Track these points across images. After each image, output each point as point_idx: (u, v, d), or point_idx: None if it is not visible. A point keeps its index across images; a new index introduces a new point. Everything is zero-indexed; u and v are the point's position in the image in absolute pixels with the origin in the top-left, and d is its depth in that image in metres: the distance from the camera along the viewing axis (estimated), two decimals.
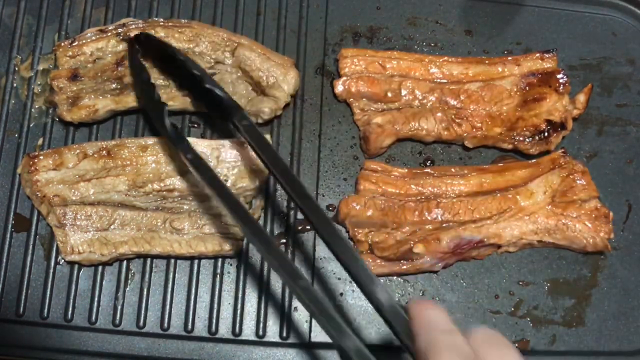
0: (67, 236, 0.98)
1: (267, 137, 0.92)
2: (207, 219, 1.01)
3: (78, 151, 1.01)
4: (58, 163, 1.00)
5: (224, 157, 1.02)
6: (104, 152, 1.02)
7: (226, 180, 1.02)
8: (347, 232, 1.05)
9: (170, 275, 1.02)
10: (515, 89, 1.12)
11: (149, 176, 1.01)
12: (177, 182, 1.01)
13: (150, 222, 1.00)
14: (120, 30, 1.08)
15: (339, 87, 1.10)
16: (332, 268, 1.04)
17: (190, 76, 0.97)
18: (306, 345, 1.00)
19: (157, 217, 1.00)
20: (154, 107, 0.96)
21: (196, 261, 1.03)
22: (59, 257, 1.01)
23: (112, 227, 0.99)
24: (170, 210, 1.01)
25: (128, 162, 1.01)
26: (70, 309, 0.99)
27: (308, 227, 1.06)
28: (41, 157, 1.00)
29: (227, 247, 0.99)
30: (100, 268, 1.01)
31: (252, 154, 1.03)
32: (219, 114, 0.97)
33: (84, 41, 1.08)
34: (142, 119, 1.09)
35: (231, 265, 1.03)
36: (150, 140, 1.02)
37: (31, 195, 1.00)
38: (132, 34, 1.07)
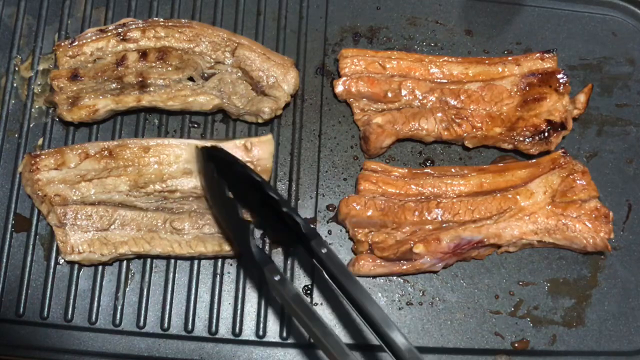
0: (67, 236, 0.98)
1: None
2: (208, 220, 1.01)
3: (80, 151, 1.01)
4: (59, 163, 1.00)
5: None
6: (106, 152, 1.02)
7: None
8: (347, 232, 1.05)
9: (170, 275, 1.02)
10: (515, 89, 1.12)
11: (150, 177, 1.01)
12: (179, 183, 1.01)
13: (150, 223, 1.00)
14: (120, 30, 1.08)
15: (339, 87, 1.10)
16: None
17: (266, 197, 0.91)
18: (306, 345, 1.00)
19: (157, 217, 1.00)
20: (237, 227, 0.89)
21: (196, 261, 1.03)
22: (59, 257, 1.01)
23: (113, 227, 0.99)
24: (170, 210, 1.01)
25: (130, 163, 1.01)
26: (70, 309, 0.99)
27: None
28: (43, 157, 1.00)
29: (227, 247, 0.99)
30: (100, 268, 1.01)
31: (254, 155, 1.03)
32: (291, 237, 0.92)
33: (84, 41, 1.08)
34: (142, 119, 1.09)
35: (231, 265, 1.03)
36: (152, 142, 1.02)
37: (32, 194, 1.00)
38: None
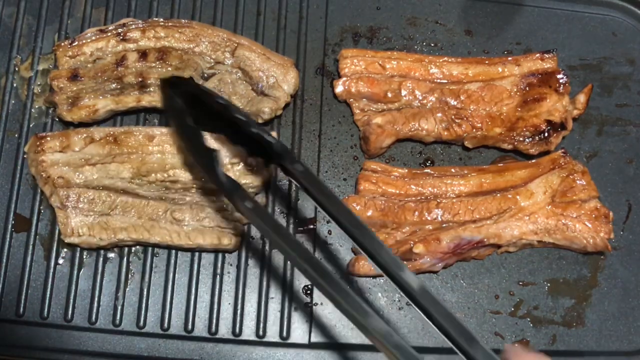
0: (69, 218, 0.98)
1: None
2: (208, 213, 1.01)
3: (85, 135, 1.02)
4: (65, 145, 1.01)
5: (228, 152, 1.02)
6: (111, 138, 1.02)
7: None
8: None
9: (170, 275, 1.02)
10: (515, 89, 1.12)
11: (153, 166, 1.01)
12: (181, 173, 1.01)
13: (151, 211, 1.00)
14: (120, 30, 1.08)
15: (339, 87, 1.10)
16: (332, 268, 1.04)
17: (233, 120, 0.89)
18: (306, 346, 1.00)
19: (158, 206, 1.01)
20: (203, 155, 0.87)
21: (196, 261, 1.03)
22: (59, 258, 1.01)
23: (114, 212, 1.00)
24: (172, 200, 1.02)
25: (134, 150, 1.02)
26: (70, 309, 0.99)
27: (308, 227, 1.06)
28: (48, 138, 1.01)
29: (225, 241, 0.99)
30: (100, 268, 1.01)
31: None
32: (265, 157, 0.90)
33: (84, 41, 1.08)
34: (142, 119, 1.09)
35: (231, 265, 1.03)
36: (158, 131, 1.03)
37: (36, 174, 1.01)
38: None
